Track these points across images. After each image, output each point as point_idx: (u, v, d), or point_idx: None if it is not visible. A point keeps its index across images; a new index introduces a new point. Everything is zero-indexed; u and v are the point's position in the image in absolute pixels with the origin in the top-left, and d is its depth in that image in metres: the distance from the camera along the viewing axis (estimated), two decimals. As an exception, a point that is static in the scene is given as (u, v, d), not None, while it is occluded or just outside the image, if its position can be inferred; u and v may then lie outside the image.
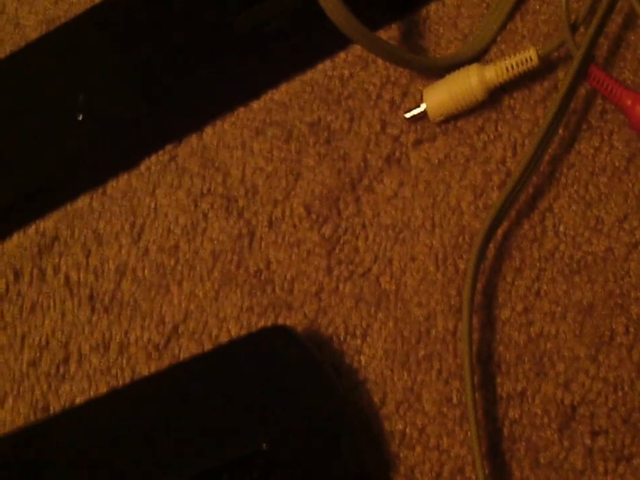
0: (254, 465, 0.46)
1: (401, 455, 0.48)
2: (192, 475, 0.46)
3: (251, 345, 0.50)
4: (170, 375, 0.50)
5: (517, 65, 0.54)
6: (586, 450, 0.46)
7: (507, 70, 0.54)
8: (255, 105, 0.59)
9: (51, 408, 0.54)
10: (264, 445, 0.46)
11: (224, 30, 0.60)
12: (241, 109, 0.59)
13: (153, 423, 0.49)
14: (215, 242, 0.55)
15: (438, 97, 0.55)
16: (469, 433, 0.47)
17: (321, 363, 0.49)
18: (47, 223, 0.58)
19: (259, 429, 0.47)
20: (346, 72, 0.59)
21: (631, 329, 0.48)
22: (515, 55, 0.54)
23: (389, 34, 0.61)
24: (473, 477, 0.46)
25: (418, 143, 0.56)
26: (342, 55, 0.60)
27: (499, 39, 0.58)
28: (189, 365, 0.50)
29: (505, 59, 0.54)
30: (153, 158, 0.58)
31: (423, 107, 0.56)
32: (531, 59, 0.54)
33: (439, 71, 0.57)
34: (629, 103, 0.52)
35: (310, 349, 0.49)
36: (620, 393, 0.47)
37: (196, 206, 0.56)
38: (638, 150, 0.53)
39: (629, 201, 0.51)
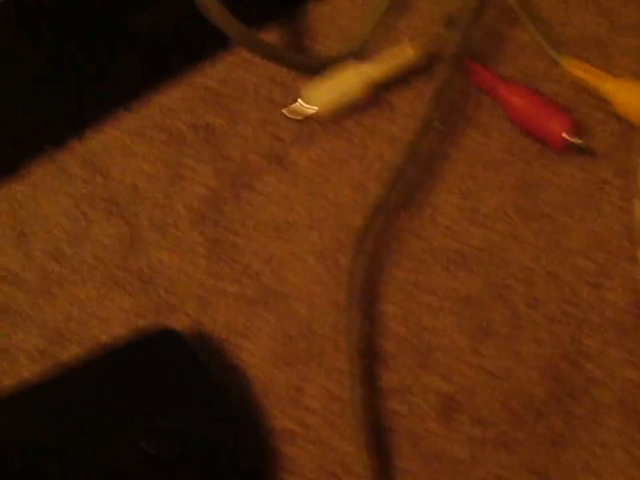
0: (139, 468, 0.45)
1: (285, 450, 0.47)
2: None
3: (134, 348, 0.49)
4: (53, 380, 0.49)
5: (395, 61, 0.54)
6: (467, 439, 0.46)
7: (385, 65, 0.54)
8: (138, 108, 0.57)
9: None
10: (147, 447, 0.45)
11: (112, 32, 0.58)
12: (124, 113, 0.57)
13: (34, 429, 0.47)
14: (98, 245, 0.54)
15: (317, 94, 0.55)
16: (351, 427, 0.45)
17: (205, 363, 0.50)
18: None
19: (142, 432, 0.46)
20: (228, 73, 0.58)
21: (510, 319, 0.49)
22: (392, 50, 0.54)
23: (271, 33, 0.61)
24: (356, 470, 0.46)
25: (298, 140, 0.55)
26: (224, 55, 0.58)
27: (378, 35, 0.57)
28: (71, 370, 0.49)
29: (383, 55, 0.54)
30: (35, 162, 0.56)
31: (302, 104, 0.55)
32: (407, 55, 0.54)
33: (319, 68, 0.57)
34: (505, 94, 0.52)
35: (193, 349, 0.48)
36: (499, 382, 0.48)
37: (78, 209, 0.55)
38: (514, 141, 0.53)
39: (505, 192, 0.52)
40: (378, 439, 0.47)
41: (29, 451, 0.47)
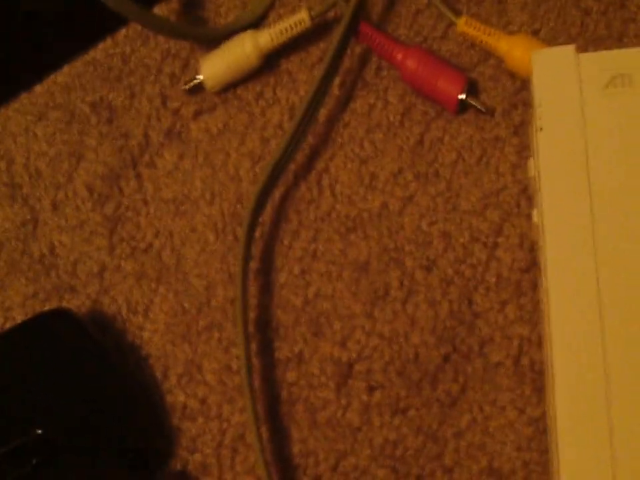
0: (33, 451, 0.45)
1: (183, 427, 0.47)
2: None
3: (29, 330, 0.49)
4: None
5: (290, 28, 0.54)
6: (363, 406, 0.46)
7: (281, 33, 0.54)
8: (38, 88, 0.58)
9: None
10: (40, 430, 0.44)
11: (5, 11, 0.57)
12: (24, 94, 0.57)
13: None
14: (0, 230, 0.53)
15: (214, 67, 0.55)
16: (245, 400, 0.46)
17: (100, 343, 0.50)
18: None
19: (38, 414, 0.46)
20: (127, 49, 0.58)
21: (405, 283, 0.48)
22: (288, 17, 0.53)
23: (170, 7, 0.60)
24: (251, 443, 0.46)
25: (198, 114, 0.55)
26: (122, 31, 0.58)
27: (276, 4, 0.56)
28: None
29: (278, 23, 0.53)
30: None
31: (200, 77, 0.54)
32: (303, 21, 0.54)
33: (218, 40, 0.57)
34: (400, 57, 0.52)
35: (88, 329, 0.48)
36: (395, 347, 0.47)
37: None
38: (411, 104, 0.53)
39: (403, 155, 0.52)
40: (274, 410, 0.46)
41: None
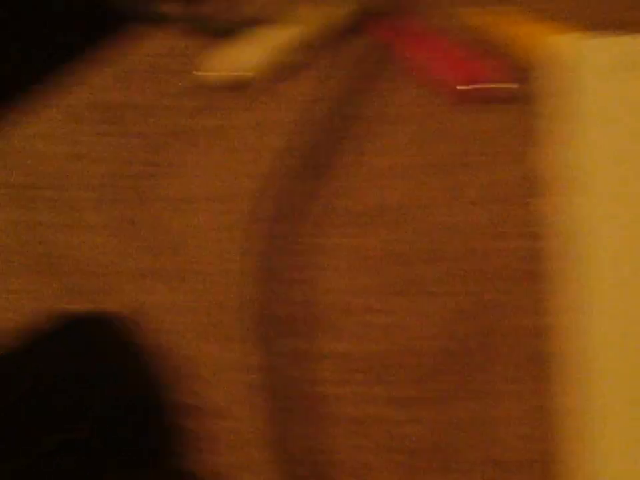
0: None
1: (187, 426, 0.48)
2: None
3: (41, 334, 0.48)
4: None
5: (322, 22, 0.53)
6: (362, 399, 0.47)
7: (314, 27, 0.53)
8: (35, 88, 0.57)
9: None
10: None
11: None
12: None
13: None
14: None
15: (220, 62, 0.54)
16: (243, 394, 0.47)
17: (106, 344, 0.50)
18: None
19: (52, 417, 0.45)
20: (129, 46, 0.57)
21: (406, 275, 0.47)
22: (318, 12, 0.53)
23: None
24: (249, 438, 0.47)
25: (199, 111, 0.59)
26: (123, 30, 0.58)
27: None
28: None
29: (309, 17, 0.53)
30: None
31: (204, 74, 0.56)
32: (336, 15, 0.54)
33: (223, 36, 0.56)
34: (405, 46, 0.52)
35: (95, 332, 0.47)
36: (396, 339, 0.46)
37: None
38: (416, 94, 0.52)
39: (407, 147, 0.51)
40: (273, 405, 0.46)
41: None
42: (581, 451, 0.37)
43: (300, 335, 0.47)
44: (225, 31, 0.55)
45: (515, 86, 0.50)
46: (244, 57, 0.54)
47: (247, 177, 0.53)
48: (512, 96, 0.51)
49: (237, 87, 0.55)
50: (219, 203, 0.51)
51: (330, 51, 0.52)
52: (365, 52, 0.53)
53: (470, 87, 0.50)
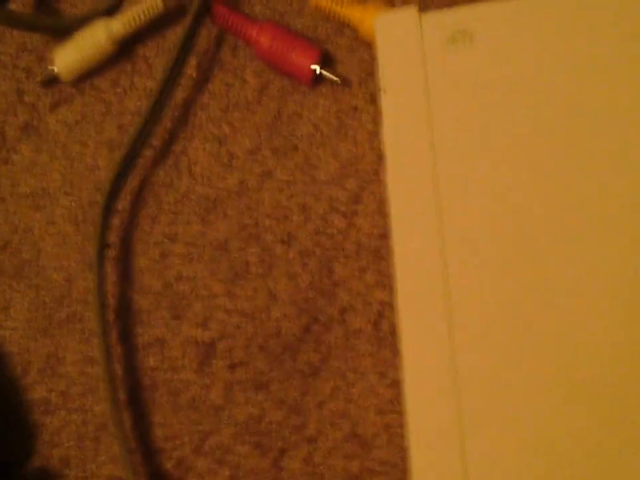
0: None
1: (46, 421, 0.45)
2: None
3: None
4: None
5: (143, 13, 0.52)
6: (225, 384, 0.45)
7: (134, 19, 0.52)
8: None
9: None
10: None
11: None
12: None
13: None
14: None
15: (68, 57, 0.54)
16: (105, 388, 0.45)
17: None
18: None
19: None
20: (-19, 47, 0.55)
21: (265, 258, 0.47)
22: (139, 3, 0.51)
23: (25, 0, 0.57)
24: (113, 431, 0.44)
25: (54, 106, 0.54)
26: None
27: None
28: None
29: (130, 9, 0.52)
30: None
31: (54, 69, 0.52)
32: (156, 6, 0.53)
33: (71, 29, 0.56)
34: (254, 34, 0.51)
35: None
36: (257, 323, 0.46)
37: None
38: (268, 80, 0.52)
39: (261, 132, 0.50)
40: (137, 396, 0.45)
41: None
42: (426, 429, 0.36)
43: (156, 324, 0.46)
44: (68, 28, 0.53)
45: (367, 66, 0.50)
46: (72, 53, 0.52)
47: (102, 169, 0.52)
48: (365, 76, 0.50)
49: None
50: (74, 197, 0.51)
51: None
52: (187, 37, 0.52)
53: (323, 67, 0.49)
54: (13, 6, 0.56)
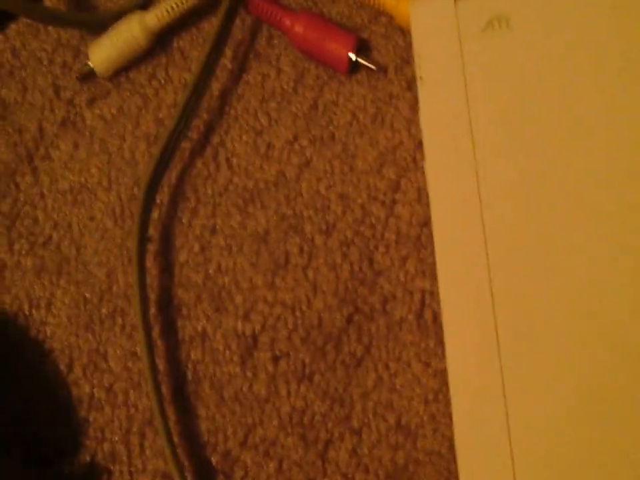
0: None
1: (90, 417, 0.46)
2: None
3: None
4: None
5: (176, 5, 0.52)
6: (269, 377, 0.45)
7: (167, 12, 0.52)
8: None
9: None
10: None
11: None
12: None
13: None
14: None
15: (103, 52, 0.54)
16: (149, 383, 0.44)
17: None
18: None
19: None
20: (17, 43, 0.56)
21: (305, 249, 0.47)
22: None
23: None
24: (158, 426, 0.44)
25: (92, 101, 0.54)
26: (13, 26, 0.56)
27: None
28: None
29: (164, 2, 0.51)
30: None
31: (90, 64, 0.52)
32: (190, -3, 0.51)
33: (108, 25, 0.55)
34: (288, 23, 0.51)
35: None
36: (298, 314, 0.45)
37: None
38: (304, 69, 0.51)
39: (297, 122, 0.50)
40: (180, 390, 0.45)
41: None
42: (472, 412, 0.36)
43: (197, 318, 0.46)
44: (103, 23, 0.53)
45: (402, 53, 0.50)
46: (107, 48, 0.52)
47: (140, 163, 0.52)
48: (401, 63, 0.50)
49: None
50: (113, 191, 0.51)
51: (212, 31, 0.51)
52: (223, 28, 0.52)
53: (359, 55, 0.49)
54: (47, 2, 0.55)
